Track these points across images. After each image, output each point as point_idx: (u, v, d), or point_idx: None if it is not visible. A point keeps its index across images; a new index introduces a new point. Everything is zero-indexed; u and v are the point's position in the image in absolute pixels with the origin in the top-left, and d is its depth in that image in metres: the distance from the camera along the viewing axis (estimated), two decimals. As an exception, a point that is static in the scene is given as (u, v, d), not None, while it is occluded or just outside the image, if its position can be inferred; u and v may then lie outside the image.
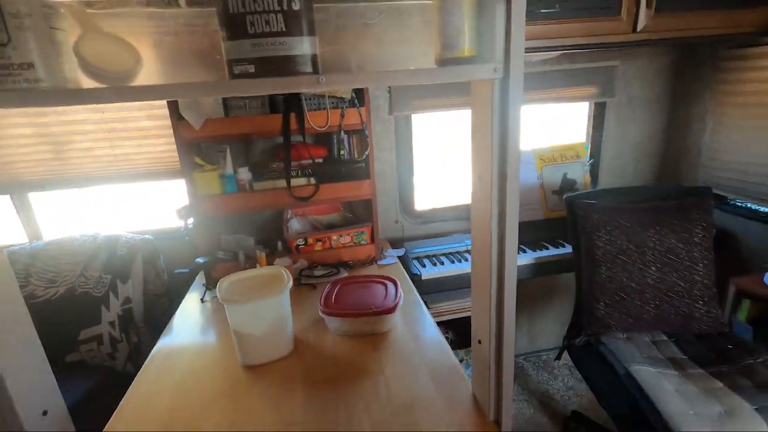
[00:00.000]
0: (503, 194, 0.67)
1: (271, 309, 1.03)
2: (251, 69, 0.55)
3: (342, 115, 1.46)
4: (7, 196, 1.61)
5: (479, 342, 0.82)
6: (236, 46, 0.55)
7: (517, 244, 0.71)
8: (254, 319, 1.02)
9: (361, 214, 1.72)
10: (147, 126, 1.56)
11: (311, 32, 0.57)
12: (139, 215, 1.85)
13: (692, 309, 1.37)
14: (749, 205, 1.73)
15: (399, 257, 1.66)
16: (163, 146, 1.60)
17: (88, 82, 0.56)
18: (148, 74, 0.58)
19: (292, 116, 1.43)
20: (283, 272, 1.10)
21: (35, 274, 1.47)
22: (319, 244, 1.59)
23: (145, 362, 1.10)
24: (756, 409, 1.05)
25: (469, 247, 1.76)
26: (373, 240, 1.62)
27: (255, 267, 1.45)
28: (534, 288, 2.12)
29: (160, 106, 1.54)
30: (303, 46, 0.56)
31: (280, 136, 1.48)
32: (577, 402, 1.89)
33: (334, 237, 1.59)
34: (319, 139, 1.66)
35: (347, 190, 1.54)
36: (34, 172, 1.56)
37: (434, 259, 1.69)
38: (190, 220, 1.60)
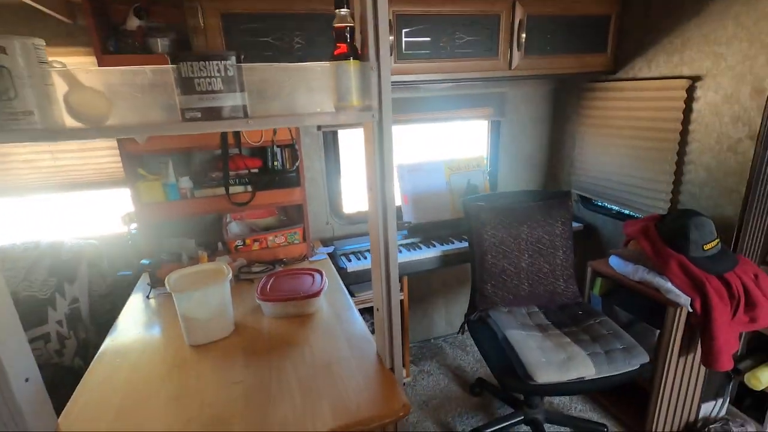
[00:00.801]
0: (384, 198, 0.95)
1: (214, 296, 1.24)
2: (198, 115, 0.79)
3: (274, 132, 1.69)
4: (-58, 206, 1.65)
5: (377, 310, 1.10)
6: (187, 99, 0.78)
7: (396, 240, 0.99)
8: (199, 305, 1.22)
9: (294, 217, 1.95)
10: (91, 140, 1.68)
11: (242, 89, 0.81)
12: (82, 222, 1.94)
13: (555, 286, 1.76)
14: (605, 204, 2.20)
15: (328, 254, 1.92)
16: (107, 158, 1.73)
17: (72, 123, 0.76)
18: (118, 116, 0.79)
19: (229, 132, 1.64)
20: (224, 267, 1.31)
21: (-24, 280, 1.54)
22: (257, 244, 1.80)
23: (100, 349, 1.26)
24: (588, 354, 1.44)
25: (389, 244, 2.06)
26: (305, 239, 1.86)
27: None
28: (449, 278, 2.47)
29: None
30: (236, 99, 0.80)
31: (219, 149, 1.69)
32: (482, 371, 2.26)
33: (270, 238, 1.81)
34: (255, 152, 1.88)
35: (280, 197, 1.77)
36: (-28, 183, 1.62)
37: (359, 254, 1.97)
38: (133, 226, 1.74)
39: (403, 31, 1.60)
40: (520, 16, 1.71)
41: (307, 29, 1.50)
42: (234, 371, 1.12)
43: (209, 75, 0.77)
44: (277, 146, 1.78)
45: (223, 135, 1.63)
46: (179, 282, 1.25)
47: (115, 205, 1.94)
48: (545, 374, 1.36)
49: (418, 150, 2.33)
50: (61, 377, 1.51)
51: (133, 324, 1.40)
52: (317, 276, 1.50)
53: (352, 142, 2.14)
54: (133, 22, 1.47)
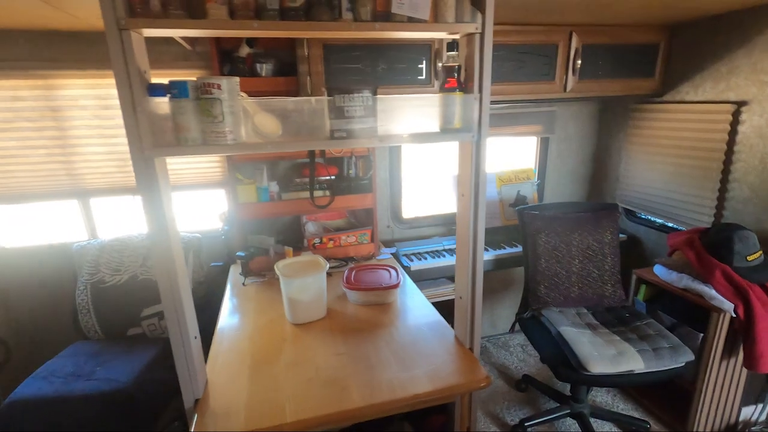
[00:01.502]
0: (477, 205, 1.16)
1: (315, 283, 1.47)
2: (344, 134, 1.02)
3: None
4: (75, 201, 1.95)
5: (461, 298, 1.30)
6: (337, 122, 1.01)
7: (484, 238, 1.20)
8: (303, 290, 1.45)
9: (362, 219, 2.18)
10: (195, 147, 1.96)
11: (375, 115, 1.04)
12: (184, 218, 2.22)
13: (603, 289, 1.92)
14: (649, 217, 2.34)
15: (392, 254, 2.13)
16: (208, 164, 2.00)
17: (251, 138, 1.00)
18: (284, 135, 1.02)
19: (317, 144, 1.88)
20: (320, 260, 1.54)
21: (103, 264, 1.83)
22: (331, 242, 2.04)
23: (219, 324, 1.50)
24: (637, 351, 1.59)
25: (446, 247, 2.26)
26: (372, 240, 2.08)
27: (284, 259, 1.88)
28: (495, 281, 2.64)
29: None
30: (371, 122, 1.03)
31: (302, 158, 1.94)
32: (526, 369, 2.41)
33: (343, 237, 2.04)
34: (330, 160, 2.12)
35: (355, 201, 2.00)
36: (99, 182, 1.91)
37: (420, 256, 2.18)
38: (224, 223, 2.01)
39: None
40: (576, 45, 1.90)
41: (388, 58, 1.73)
42: (336, 345, 1.34)
43: (355, 104, 1.00)
44: (354, 156, 2.02)
45: (312, 146, 1.87)
46: (286, 269, 1.48)
47: (207, 204, 2.22)
48: (598, 366, 1.53)
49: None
50: (169, 351, 1.76)
51: (238, 304, 1.64)
52: (392, 271, 1.71)
53: (413, 155, 2.36)
54: (244, 50, 1.73)
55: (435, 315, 1.52)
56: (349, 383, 1.15)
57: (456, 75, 1.08)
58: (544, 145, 2.51)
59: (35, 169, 1.83)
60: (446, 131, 1.11)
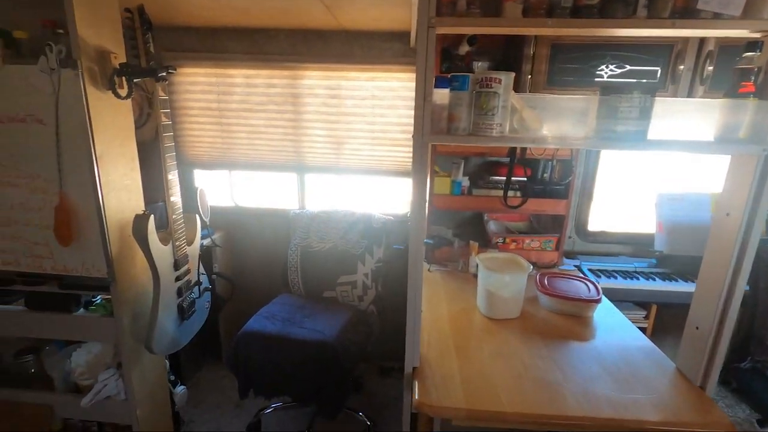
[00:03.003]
0: (749, 227, 1.01)
1: (516, 282, 1.47)
2: (612, 135, 0.98)
3: (556, 149, 1.87)
4: (294, 174, 2.30)
5: (696, 328, 1.16)
6: (606, 122, 0.98)
7: (749, 267, 1.04)
8: (504, 285, 1.47)
9: (546, 225, 2.10)
10: (398, 138, 2.13)
11: (649, 117, 0.98)
12: (373, 202, 2.46)
13: None
14: None
15: (575, 266, 2.02)
16: (404, 154, 2.16)
17: (513, 133, 1.04)
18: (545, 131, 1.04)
19: (518, 144, 1.88)
20: (520, 260, 1.54)
21: (312, 231, 2.11)
22: (514, 244, 2.02)
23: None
24: None
25: (638, 269, 2.05)
26: (557, 248, 2.00)
27: (468, 254, 1.93)
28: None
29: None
30: (641, 125, 0.98)
31: (495, 156, 1.95)
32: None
33: (527, 241, 2.00)
34: (524, 162, 2.09)
35: (546, 205, 1.94)
36: (316, 160, 2.21)
37: (608, 273, 2.01)
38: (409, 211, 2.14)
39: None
40: None
41: (618, 58, 1.62)
42: (537, 347, 1.32)
43: (632, 105, 0.96)
44: (549, 159, 1.96)
45: (513, 146, 1.87)
46: (488, 262, 1.52)
47: (391, 190, 2.40)
48: None
49: (679, 178, 2.24)
50: (358, 318, 1.96)
51: (427, 289, 1.74)
52: (590, 285, 1.62)
53: (610, 164, 2.18)
54: (464, 48, 1.81)
55: (644, 340, 1.39)
56: (561, 389, 1.13)
57: (753, 79, 0.96)
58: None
59: (272, 145, 2.20)
60: (725, 141, 0.99)
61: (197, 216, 1.66)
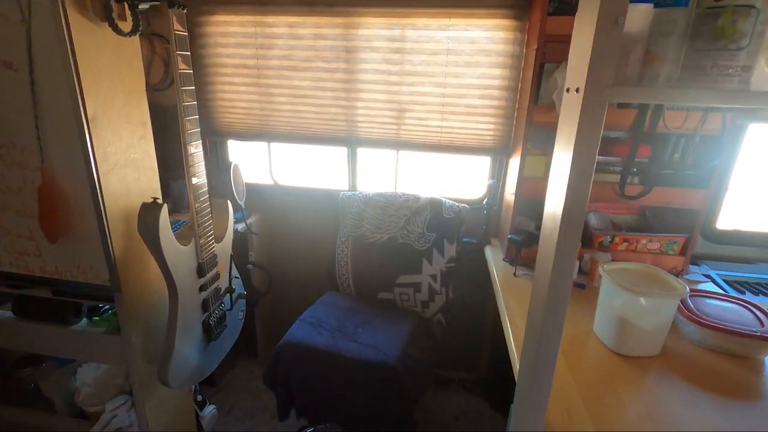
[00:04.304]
0: None
1: (663, 309, 1.04)
2: None
3: (703, 120, 1.38)
4: (345, 149, 1.91)
5: None
6: None
7: None
8: (644, 313, 1.04)
9: (667, 221, 1.63)
10: (476, 104, 1.69)
11: None
12: (443, 184, 2.05)
13: None
14: None
15: (704, 275, 1.55)
16: (484, 125, 1.72)
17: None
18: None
19: (648, 113, 1.40)
20: (667, 276, 1.10)
21: (366, 219, 1.74)
22: (625, 244, 1.57)
23: (507, 318, 1.22)
24: None
25: (793, 283, 1.56)
26: (683, 252, 1.54)
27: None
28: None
29: (497, 88, 1.64)
30: None
31: (616, 130, 1.48)
32: None
33: (643, 240, 1.55)
34: (649, 137, 1.61)
35: (677, 197, 1.47)
36: (373, 132, 1.81)
37: (754, 287, 1.54)
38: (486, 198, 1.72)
39: None
40: None
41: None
42: (701, 406, 0.91)
43: None
44: (685, 135, 1.47)
45: (642, 114, 1.40)
46: (617, 276, 1.09)
47: (467, 172, 1.98)
48: None
49: None
50: (422, 329, 1.59)
51: (518, 301, 1.34)
52: (759, 312, 1.17)
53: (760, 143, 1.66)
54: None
55: None
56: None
57: None
58: None
59: (320, 111, 1.82)
60: None
61: (228, 203, 1.30)
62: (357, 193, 1.80)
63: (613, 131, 1.61)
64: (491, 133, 1.73)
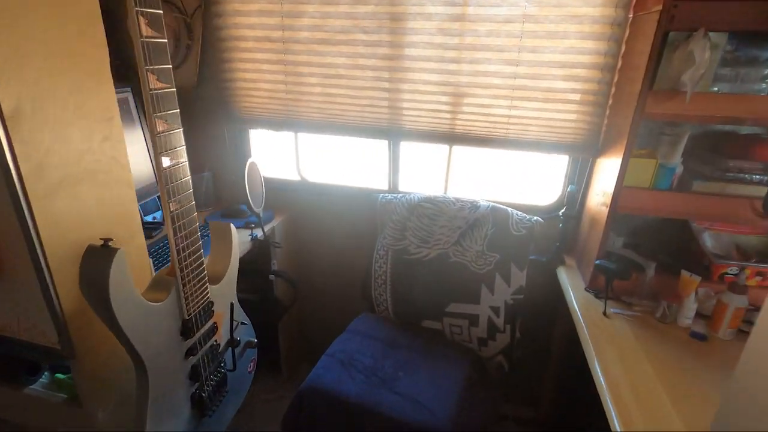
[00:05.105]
0: None
1: None
2: None
3: None
4: (386, 142, 1.58)
5: None
6: None
7: None
8: None
9: (815, 249, 1.22)
10: (558, 88, 1.31)
11: None
12: (504, 186, 1.69)
13: None
14: None
15: None
16: (566, 115, 1.34)
17: None
18: None
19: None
20: None
21: (410, 229, 1.41)
22: (757, 278, 1.17)
23: (599, 373, 0.88)
24: None
25: None
26: (844, 294, 1.12)
27: (676, 292, 1.13)
28: None
29: (588, 66, 1.26)
30: None
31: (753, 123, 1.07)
32: None
33: (786, 276, 1.15)
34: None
35: None
36: (421, 122, 1.47)
37: None
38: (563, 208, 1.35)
39: None
40: None
41: None
42: None
43: None
44: None
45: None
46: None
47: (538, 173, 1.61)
48: None
49: None
50: (479, 375, 1.27)
51: (607, 348, 0.99)
52: None
53: None
54: None
55: None
56: None
57: None
58: None
59: (357, 95, 1.49)
60: None
61: (231, 227, 0.99)
62: (399, 195, 1.47)
63: (761, 127, 1.19)
64: (573, 125, 1.35)
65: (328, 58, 1.45)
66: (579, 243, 1.41)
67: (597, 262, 1.20)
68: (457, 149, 1.56)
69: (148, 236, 1.47)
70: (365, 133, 1.55)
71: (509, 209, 1.34)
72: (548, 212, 1.50)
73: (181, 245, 0.80)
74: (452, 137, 1.47)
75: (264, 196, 1.42)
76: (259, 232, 1.47)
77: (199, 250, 0.85)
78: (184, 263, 0.80)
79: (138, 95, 1.43)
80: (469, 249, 1.33)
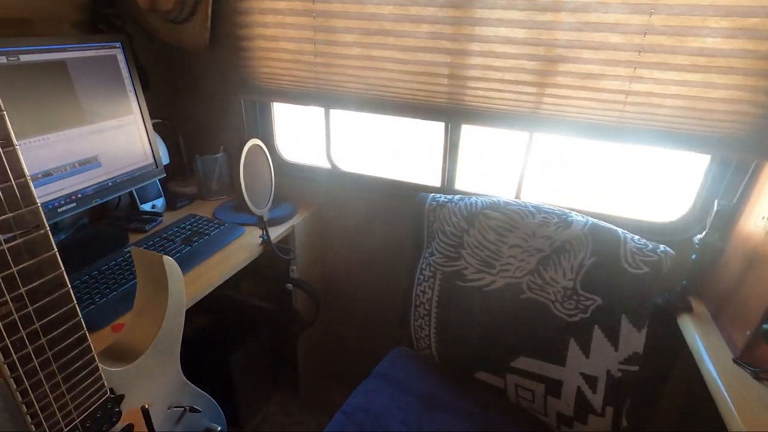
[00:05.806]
0: None
1: None
2: None
3: None
4: (442, 123, 1.19)
5: None
6: None
7: None
8: None
9: None
10: (713, 50, 0.85)
11: None
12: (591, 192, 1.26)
13: None
14: None
15: None
16: (723, 92, 0.87)
17: None
18: None
19: None
20: None
21: (468, 245, 1.03)
22: None
23: None
24: None
25: None
26: None
27: None
28: None
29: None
30: None
31: None
32: None
33: None
34: None
35: None
36: (493, 99, 1.06)
37: None
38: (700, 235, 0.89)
39: None
40: None
41: None
42: None
43: None
44: None
45: None
46: None
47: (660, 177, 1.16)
48: None
49: None
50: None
51: None
52: None
53: None
54: None
55: None
56: None
57: None
58: None
59: (407, 59, 1.11)
60: None
61: (174, 264, 0.61)
62: (456, 198, 1.09)
63: None
64: (734, 108, 0.88)
65: (369, 7, 1.07)
66: (720, 284, 0.96)
67: (765, 327, 0.76)
68: (539, 138, 1.14)
69: (141, 230, 1.21)
70: (416, 111, 1.16)
71: (620, 231, 0.92)
72: (669, 234, 1.05)
73: (17, 315, 0.44)
74: (536, 122, 1.05)
75: (273, 191, 1.09)
76: (258, 241, 1.14)
77: (73, 317, 0.51)
78: (27, 349, 0.46)
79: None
80: (553, 283, 0.93)
